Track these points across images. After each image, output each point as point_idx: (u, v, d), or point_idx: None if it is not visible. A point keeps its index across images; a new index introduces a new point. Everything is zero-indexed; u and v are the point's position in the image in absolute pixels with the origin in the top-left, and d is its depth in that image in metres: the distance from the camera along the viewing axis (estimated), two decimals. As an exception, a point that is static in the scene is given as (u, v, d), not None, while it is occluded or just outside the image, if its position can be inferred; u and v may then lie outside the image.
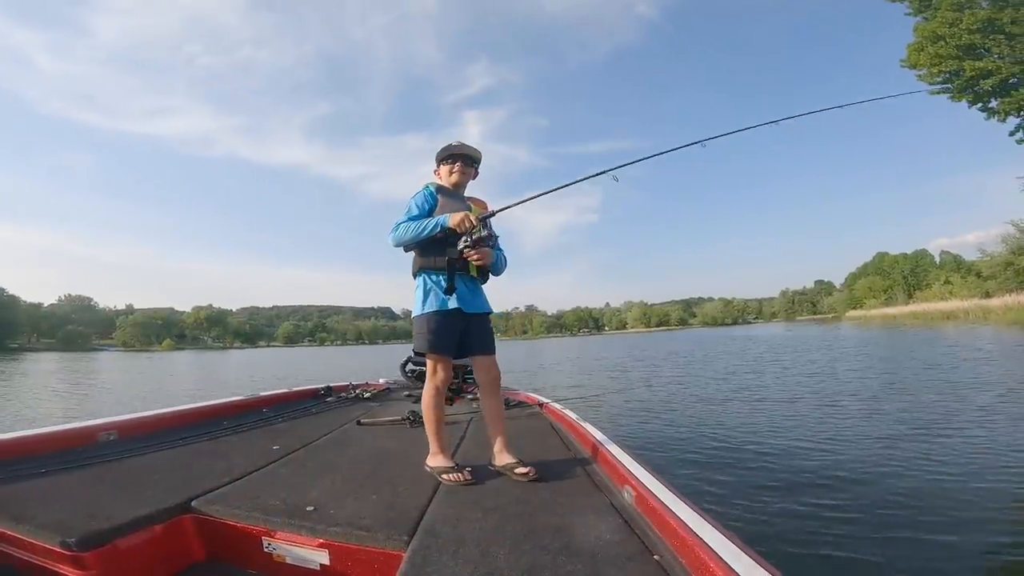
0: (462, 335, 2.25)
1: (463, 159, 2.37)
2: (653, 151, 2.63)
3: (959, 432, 5.42)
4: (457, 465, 2.12)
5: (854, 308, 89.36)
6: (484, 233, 2.20)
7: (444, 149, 2.38)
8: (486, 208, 2.42)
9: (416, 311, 2.24)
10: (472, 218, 2.16)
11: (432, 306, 2.19)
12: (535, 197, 2.53)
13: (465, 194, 2.44)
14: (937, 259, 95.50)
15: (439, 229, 2.17)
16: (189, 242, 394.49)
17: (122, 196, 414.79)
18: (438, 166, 2.42)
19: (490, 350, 2.32)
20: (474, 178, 2.46)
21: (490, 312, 2.38)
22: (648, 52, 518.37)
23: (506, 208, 2.37)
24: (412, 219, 2.22)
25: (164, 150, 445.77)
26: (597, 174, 2.46)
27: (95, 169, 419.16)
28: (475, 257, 2.20)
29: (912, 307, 55.76)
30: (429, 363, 2.23)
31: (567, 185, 2.56)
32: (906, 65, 23.84)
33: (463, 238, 2.17)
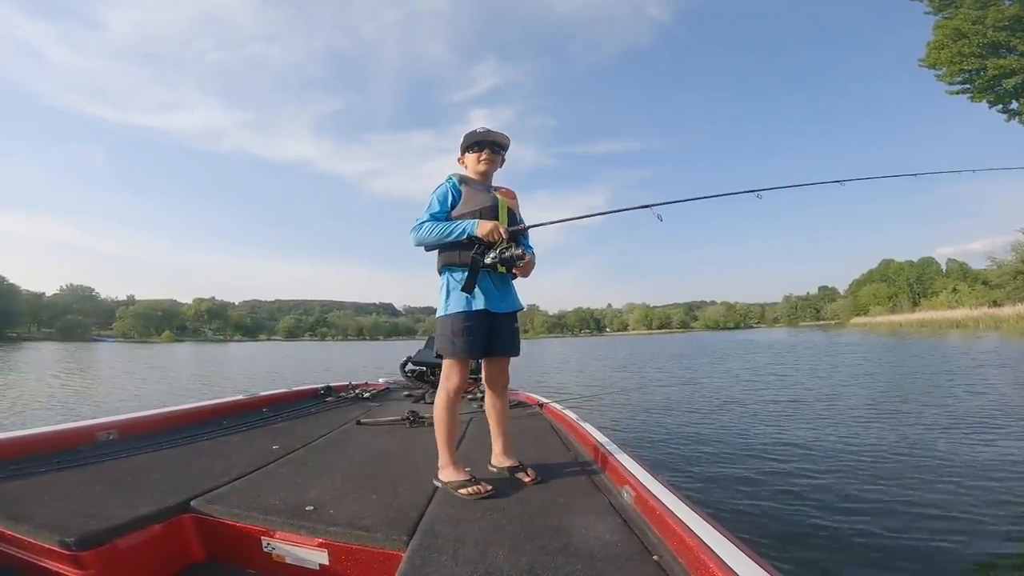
0: (487, 335, 2.09)
1: (491, 146, 2.22)
2: (704, 193, 2.51)
3: (970, 440, 5.26)
4: (475, 478, 1.95)
5: (858, 315, 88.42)
6: (517, 251, 2.02)
7: (469, 136, 2.22)
8: (514, 198, 2.28)
9: (440, 312, 2.10)
10: (502, 230, 2.03)
11: (457, 307, 2.05)
12: (575, 219, 2.43)
13: (493, 183, 2.29)
14: (943, 267, 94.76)
15: (465, 236, 2.03)
16: (196, 236, 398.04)
17: (132, 189, 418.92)
18: (463, 154, 2.28)
19: (514, 351, 2.20)
20: (501, 166, 2.31)
21: (520, 309, 2.24)
22: (658, 53, 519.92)
23: (540, 225, 2.24)
24: (435, 217, 2.09)
25: (174, 144, 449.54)
26: (639, 207, 2.32)
27: (106, 162, 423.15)
28: (520, 270, 2.13)
29: (919, 315, 55.08)
30: (445, 366, 2.09)
31: (607, 213, 2.57)
32: (925, 64, 23.36)
33: (491, 251, 2.02)
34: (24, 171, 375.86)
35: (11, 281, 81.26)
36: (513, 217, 2.21)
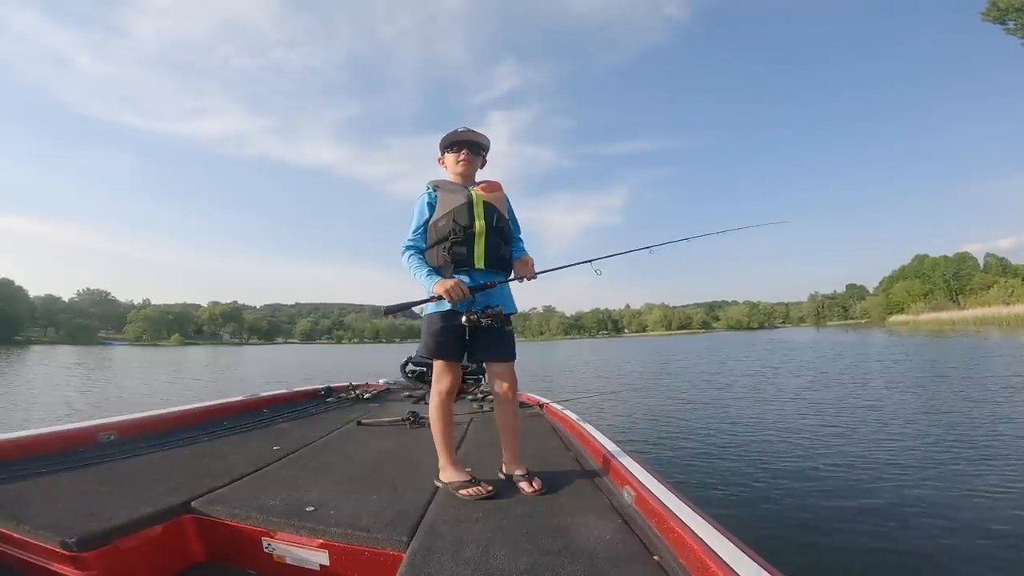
0: (472, 338, 2.01)
1: (470, 146, 2.17)
2: (639, 244, 2.63)
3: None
4: (474, 479, 1.94)
5: (893, 313, 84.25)
6: (484, 323, 1.94)
7: (448, 136, 2.18)
8: (498, 190, 2.17)
9: (424, 312, 2.13)
10: (463, 289, 1.93)
11: (434, 306, 2.04)
12: (545, 272, 2.27)
13: (477, 178, 2.24)
14: (981, 262, 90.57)
15: (427, 292, 2.00)
16: (220, 240, 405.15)
17: (158, 195, 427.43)
18: (442, 154, 2.22)
19: (503, 356, 2.07)
20: (482, 167, 2.26)
21: (505, 311, 2.05)
22: (676, 53, 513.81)
23: (500, 283, 2.08)
24: (415, 234, 2.09)
25: (199, 151, 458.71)
26: (582, 262, 2.36)
27: (133, 168, 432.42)
28: (524, 272, 2.12)
29: (974, 312, 50.74)
30: (435, 368, 2.08)
31: (562, 268, 2.48)
32: (988, 19, 23.22)
33: (464, 312, 1.95)
34: (52, 177, 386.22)
35: (19, 284, 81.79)
36: (492, 211, 2.08)
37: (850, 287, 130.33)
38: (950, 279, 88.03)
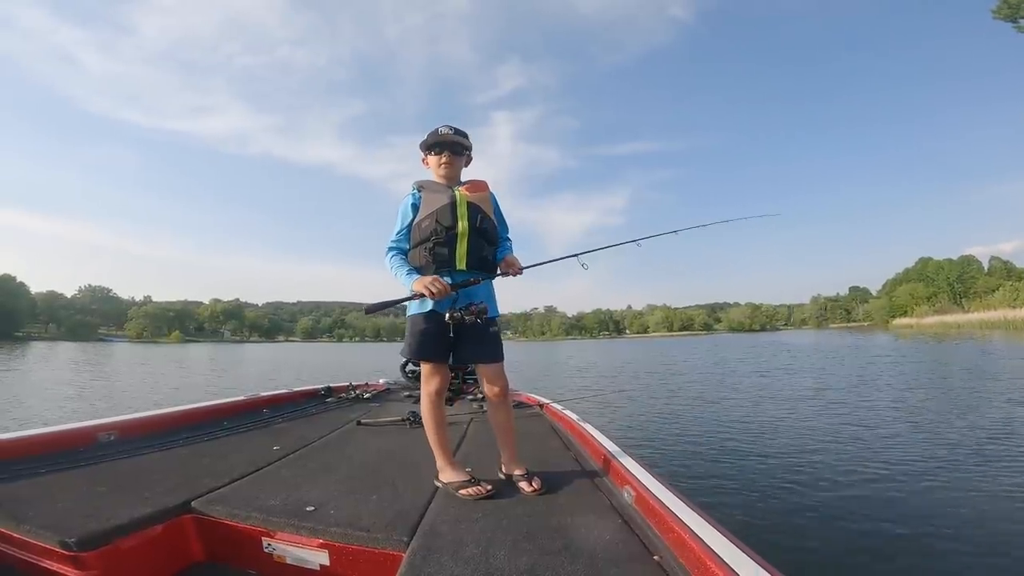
0: (456, 339, 2.01)
1: (451, 148, 2.14)
2: (626, 238, 2.55)
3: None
4: (474, 479, 1.94)
5: (896, 316, 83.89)
6: (468, 320, 1.90)
7: (429, 137, 2.16)
8: (484, 189, 2.15)
9: (407, 314, 2.14)
10: (443, 284, 1.90)
11: (412, 308, 2.05)
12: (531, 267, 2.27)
13: (464, 177, 2.24)
14: (985, 266, 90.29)
15: (408, 291, 1.99)
16: (224, 238, 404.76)
17: (163, 192, 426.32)
18: (425, 155, 2.20)
19: (489, 358, 2.07)
20: (467, 164, 2.24)
21: (492, 316, 2.05)
22: (681, 54, 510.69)
23: (483, 279, 2.07)
24: (398, 236, 2.10)
25: (203, 148, 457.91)
26: (567, 257, 2.36)
27: (137, 166, 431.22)
28: (511, 268, 2.10)
29: (979, 315, 50.37)
30: (422, 369, 2.09)
31: (548, 263, 2.43)
32: (999, 16, 23.38)
33: (448, 309, 1.94)
34: (57, 173, 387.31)
35: (20, 280, 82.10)
36: (476, 211, 2.05)
37: (853, 289, 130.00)
38: (954, 282, 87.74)
